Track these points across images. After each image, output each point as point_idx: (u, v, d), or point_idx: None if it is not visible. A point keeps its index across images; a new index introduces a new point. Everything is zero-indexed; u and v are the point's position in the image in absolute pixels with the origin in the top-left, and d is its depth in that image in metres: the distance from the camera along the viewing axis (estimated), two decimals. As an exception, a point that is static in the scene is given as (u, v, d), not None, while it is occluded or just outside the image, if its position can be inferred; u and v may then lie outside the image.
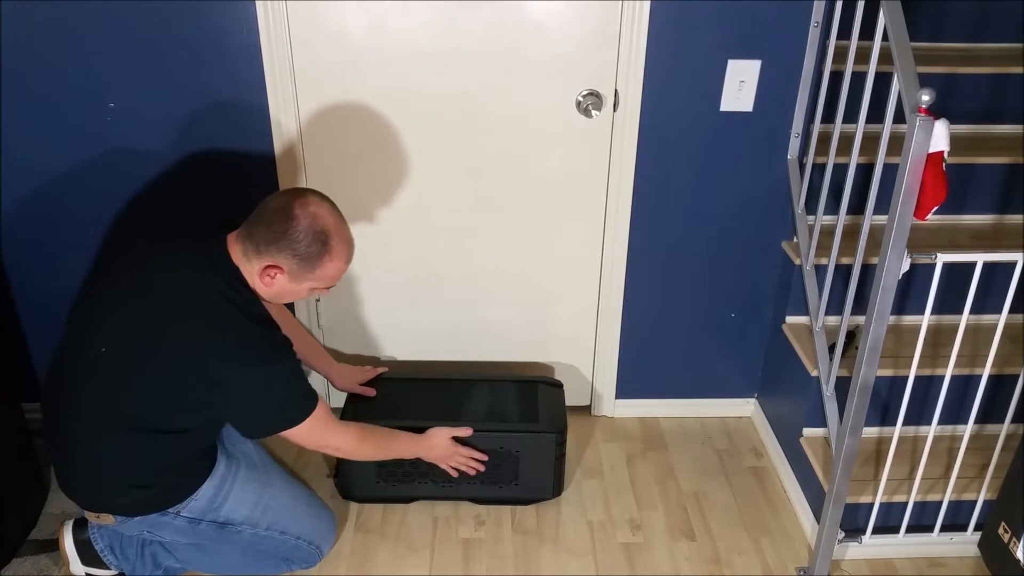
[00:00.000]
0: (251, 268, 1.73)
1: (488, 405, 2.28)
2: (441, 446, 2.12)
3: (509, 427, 2.22)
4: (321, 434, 1.85)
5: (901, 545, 2.13)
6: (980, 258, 1.78)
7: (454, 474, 2.17)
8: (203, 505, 1.85)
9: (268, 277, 1.73)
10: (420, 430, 2.21)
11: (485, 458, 2.17)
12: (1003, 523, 1.96)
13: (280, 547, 1.98)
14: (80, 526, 1.98)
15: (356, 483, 2.27)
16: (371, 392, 2.29)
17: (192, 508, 1.84)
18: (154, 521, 1.84)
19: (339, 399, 2.49)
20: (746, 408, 2.69)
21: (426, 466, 2.19)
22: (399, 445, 2.07)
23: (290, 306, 2.42)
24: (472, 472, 2.17)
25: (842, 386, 2.01)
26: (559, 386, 2.37)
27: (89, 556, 1.97)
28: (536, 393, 2.32)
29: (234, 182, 2.23)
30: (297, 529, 1.99)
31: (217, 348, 1.67)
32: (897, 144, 1.66)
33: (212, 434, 1.89)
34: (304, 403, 1.79)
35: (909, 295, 2.20)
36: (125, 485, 1.79)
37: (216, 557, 1.99)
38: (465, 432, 2.14)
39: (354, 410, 2.25)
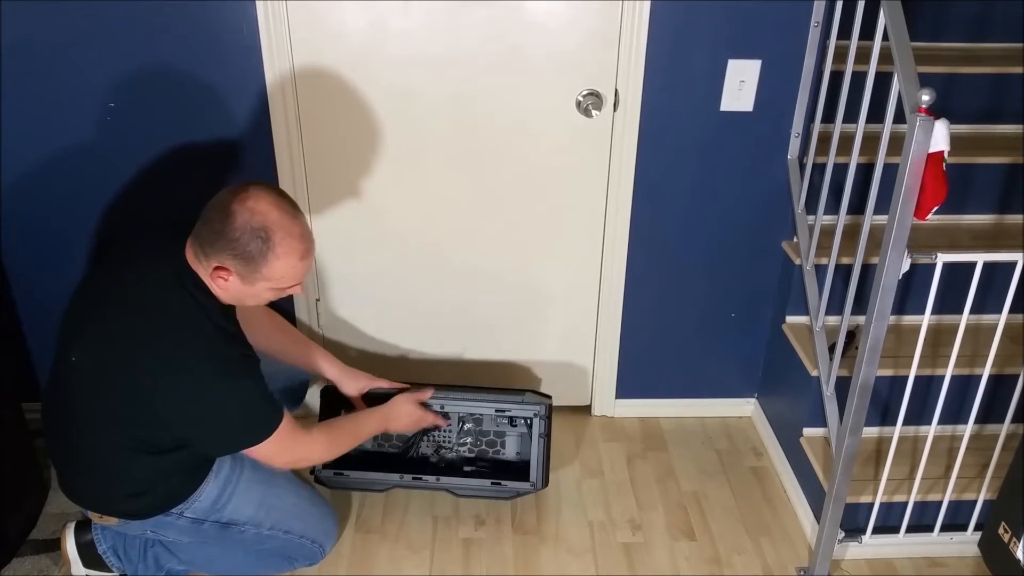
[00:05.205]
0: (204, 272, 1.66)
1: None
2: (407, 413, 2.10)
3: (491, 398, 2.20)
4: (289, 449, 1.80)
5: (901, 545, 2.14)
6: (980, 258, 1.78)
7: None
8: (207, 506, 1.85)
9: (220, 279, 1.65)
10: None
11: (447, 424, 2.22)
12: (1003, 523, 1.96)
13: (284, 546, 1.98)
14: (82, 528, 1.98)
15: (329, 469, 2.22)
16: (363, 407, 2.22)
17: (195, 509, 1.84)
18: (158, 521, 1.83)
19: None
20: (746, 408, 2.69)
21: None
22: (367, 428, 2.03)
23: (289, 303, 2.43)
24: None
25: (842, 386, 2.01)
26: (548, 396, 2.28)
27: (91, 558, 1.97)
28: (523, 393, 2.26)
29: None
30: (301, 528, 1.98)
31: (165, 375, 1.62)
32: (897, 144, 1.66)
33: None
34: (264, 423, 1.73)
35: (909, 295, 2.20)
36: (125, 493, 1.79)
37: (219, 557, 1.99)
38: (427, 394, 2.15)
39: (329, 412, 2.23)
